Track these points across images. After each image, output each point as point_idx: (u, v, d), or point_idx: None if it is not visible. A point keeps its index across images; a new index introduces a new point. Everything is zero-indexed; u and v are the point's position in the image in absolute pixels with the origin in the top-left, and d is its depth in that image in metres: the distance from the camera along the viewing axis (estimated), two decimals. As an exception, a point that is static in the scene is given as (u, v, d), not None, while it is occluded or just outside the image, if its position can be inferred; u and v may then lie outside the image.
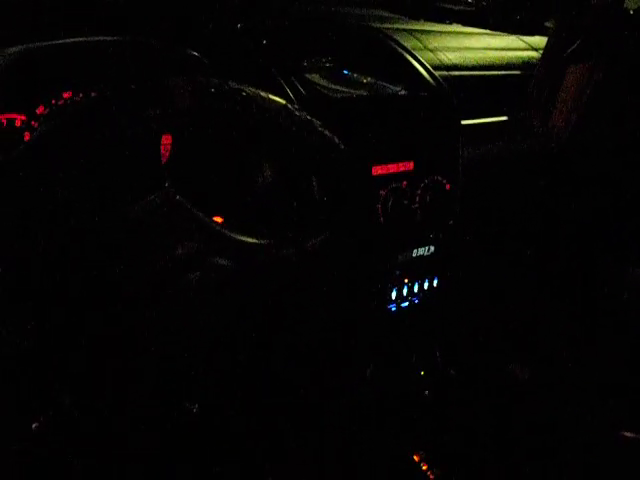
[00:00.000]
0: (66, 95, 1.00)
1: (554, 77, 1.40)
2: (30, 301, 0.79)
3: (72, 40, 1.03)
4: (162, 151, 1.06)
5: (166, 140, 1.08)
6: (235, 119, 0.87)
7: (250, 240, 0.89)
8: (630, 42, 1.34)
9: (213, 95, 0.81)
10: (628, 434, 1.50)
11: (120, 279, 0.81)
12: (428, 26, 1.71)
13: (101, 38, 1.03)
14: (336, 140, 0.90)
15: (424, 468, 1.35)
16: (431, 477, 1.34)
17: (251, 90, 0.85)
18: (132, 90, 0.84)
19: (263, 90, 0.87)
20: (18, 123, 0.97)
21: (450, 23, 1.81)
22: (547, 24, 1.85)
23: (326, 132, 0.90)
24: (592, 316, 1.64)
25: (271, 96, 0.87)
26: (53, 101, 0.99)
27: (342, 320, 1.19)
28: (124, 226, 0.81)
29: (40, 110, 0.99)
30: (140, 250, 0.81)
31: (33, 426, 0.97)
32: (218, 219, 1.01)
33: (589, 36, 1.33)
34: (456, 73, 1.51)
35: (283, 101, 0.88)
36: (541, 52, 1.72)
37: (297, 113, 0.88)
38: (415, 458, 1.36)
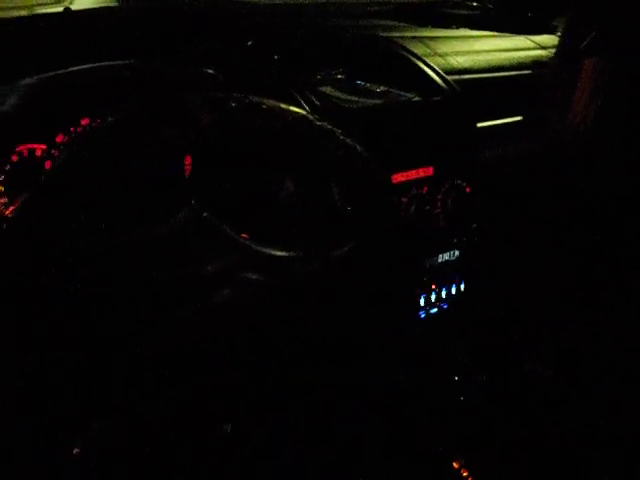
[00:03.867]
0: (84, 122, 1.00)
1: (569, 73, 1.38)
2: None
3: (85, 67, 1.03)
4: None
5: (186, 161, 1.08)
6: (256, 133, 0.87)
7: (278, 253, 0.88)
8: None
9: (234, 110, 0.81)
10: None
11: (152, 298, 0.81)
12: (436, 32, 1.71)
13: (114, 63, 1.03)
14: (359, 148, 0.90)
15: (464, 474, 1.33)
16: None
17: (271, 102, 0.85)
18: (150, 111, 0.84)
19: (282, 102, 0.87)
20: (39, 153, 0.97)
21: (457, 28, 1.81)
22: (554, 23, 1.85)
23: (348, 140, 0.89)
24: (612, 315, 1.61)
25: (291, 107, 0.87)
26: (72, 128, 0.99)
27: (372, 329, 1.18)
28: (154, 246, 0.80)
29: (59, 138, 0.98)
30: (172, 268, 0.81)
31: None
32: (244, 235, 1.01)
33: (602, 28, 1.31)
34: (468, 76, 1.50)
35: (303, 112, 0.88)
36: (550, 50, 1.72)
37: (317, 123, 0.88)
38: (455, 465, 1.34)
